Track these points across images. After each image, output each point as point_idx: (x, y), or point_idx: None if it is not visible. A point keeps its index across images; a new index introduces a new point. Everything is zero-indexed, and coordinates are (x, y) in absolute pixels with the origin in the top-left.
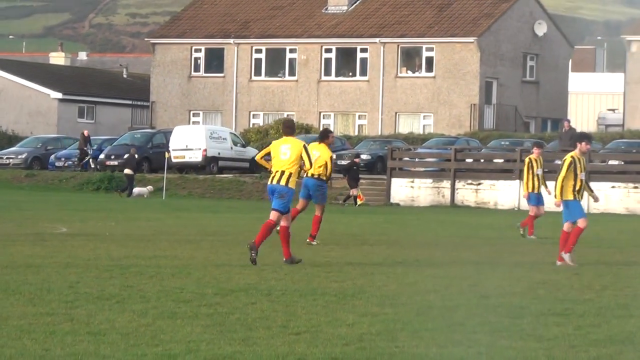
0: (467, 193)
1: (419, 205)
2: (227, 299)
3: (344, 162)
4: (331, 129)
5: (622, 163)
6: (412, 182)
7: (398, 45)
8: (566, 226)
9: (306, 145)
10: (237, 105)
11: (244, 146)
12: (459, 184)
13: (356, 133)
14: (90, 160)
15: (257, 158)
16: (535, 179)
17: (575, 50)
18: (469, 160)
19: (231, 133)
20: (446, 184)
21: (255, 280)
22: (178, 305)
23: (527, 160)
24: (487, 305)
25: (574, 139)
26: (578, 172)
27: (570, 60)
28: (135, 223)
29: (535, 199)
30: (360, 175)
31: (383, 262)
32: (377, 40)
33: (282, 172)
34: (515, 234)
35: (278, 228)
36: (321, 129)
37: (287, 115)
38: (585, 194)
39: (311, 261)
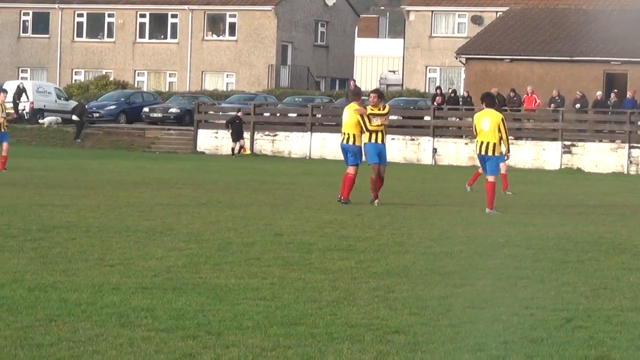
0: (265, 143)
1: (222, 154)
2: (50, 235)
3: (156, 115)
4: (144, 85)
5: (401, 118)
6: (216, 133)
7: (204, 12)
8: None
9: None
10: (61, 63)
11: (67, 99)
12: (257, 135)
13: (167, 89)
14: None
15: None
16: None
17: (361, 18)
18: (267, 114)
19: (55, 88)
20: (246, 134)
21: (75, 218)
22: (5, 240)
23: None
24: (280, 242)
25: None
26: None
27: (357, 27)
28: None
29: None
30: (170, 127)
31: (189, 203)
32: (186, 7)
33: (353, 135)
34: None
35: None
36: (136, 85)
37: (105, 72)
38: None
39: (125, 202)
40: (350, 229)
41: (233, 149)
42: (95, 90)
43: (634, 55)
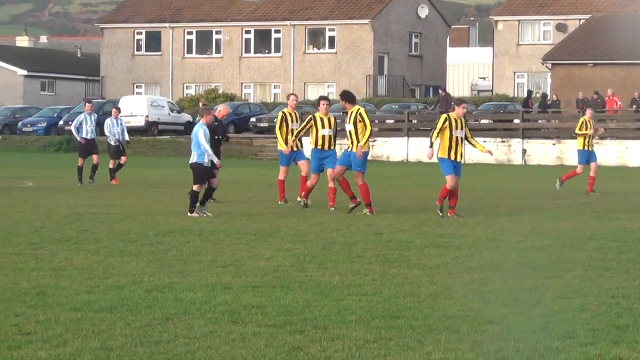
0: None
1: None
2: (166, 239)
3: (262, 124)
4: (251, 97)
5: (492, 122)
6: None
7: (305, 27)
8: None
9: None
10: (173, 78)
11: (179, 112)
12: None
13: (272, 100)
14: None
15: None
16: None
17: (452, 29)
18: None
19: (168, 102)
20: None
21: (189, 223)
22: (125, 245)
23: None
24: (380, 240)
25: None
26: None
27: (448, 37)
28: (87, 178)
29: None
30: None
31: (294, 206)
32: (288, 23)
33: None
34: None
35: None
36: (243, 97)
37: (214, 86)
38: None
39: (234, 207)
40: (446, 227)
41: None
42: (206, 102)
43: None
